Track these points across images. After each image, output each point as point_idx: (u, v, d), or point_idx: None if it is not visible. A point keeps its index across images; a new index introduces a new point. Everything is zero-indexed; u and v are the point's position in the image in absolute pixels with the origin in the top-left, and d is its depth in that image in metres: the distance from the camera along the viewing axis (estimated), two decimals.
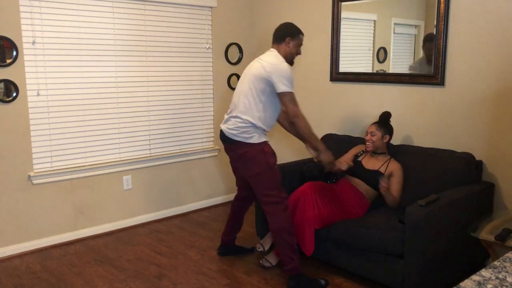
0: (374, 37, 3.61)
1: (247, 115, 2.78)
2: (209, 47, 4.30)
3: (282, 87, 2.71)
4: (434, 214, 2.50)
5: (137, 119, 3.92)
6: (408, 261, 2.53)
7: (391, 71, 3.49)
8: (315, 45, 3.99)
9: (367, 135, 3.15)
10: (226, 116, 2.93)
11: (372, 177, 3.05)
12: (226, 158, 3.25)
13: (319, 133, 3.95)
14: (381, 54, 3.55)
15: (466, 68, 3.05)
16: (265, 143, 2.83)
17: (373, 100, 3.61)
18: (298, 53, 2.96)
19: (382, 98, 3.54)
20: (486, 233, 2.52)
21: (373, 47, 3.61)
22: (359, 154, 3.23)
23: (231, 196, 3.34)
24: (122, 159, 3.87)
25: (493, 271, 1.11)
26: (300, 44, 2.96)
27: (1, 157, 3.24)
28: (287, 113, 2.81)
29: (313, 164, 3.40)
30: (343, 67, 3.80)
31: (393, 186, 3.01)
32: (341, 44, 3.79)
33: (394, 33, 3.48)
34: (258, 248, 3.13)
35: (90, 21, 3.54)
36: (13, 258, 3.31)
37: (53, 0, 3.34)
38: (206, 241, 3.61)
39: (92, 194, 3.71)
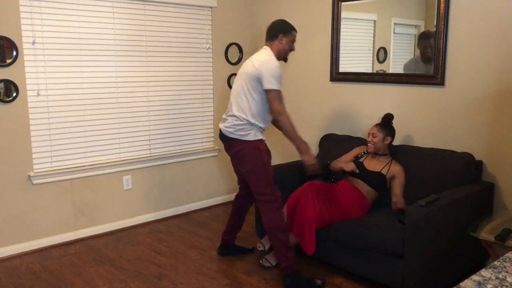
0: (374, 37, 3.61)
1: (242, 113, 2.83)
2: (209, 47, 4.30)
3: (268, 85, 2.74)
4: (434, 214, 2.50)
5: (137, 119, 3.92)
6: (408, 261, 2.53)
7: (391, 71, 3.49)
8: (315, 45, 3.99)
9: (368, 136, 3.15)
10: (224, 116, 2.98)
11: (374, 179, 3.05)
12: (226, 158, 3.26)
13: (319, 133, 3.96)
14: (381, 54, 3.55)
15: (466, 68, 3.05)
16: (261, 141, 2.88)
17: (373, 100, 3.61)
18: (291, 49, 2.97)
19: (382, 98, 3.54)
20: (486, 233, 2.52)
21: (373, 47, 3.61)
22: (360, 156, 3.23)
23: (231, 196, 3.34)
24: (122, 159, 3.87)
25: (493, 271, 1.11)
26: (293, 41, 2.97)
27: (1, 157, 3.24)
28: (272, 110, 2.82)
29: None
30: (343, 67, 3.80)
31: (396, 189, 3.00)
32: (341, 44, 3.79)
33: (394, 33, 3.48)
34: (259, 247, 3.14)
35: (90, 21, 3.54)
36: (13, 258, 3.31)
37: (53, 0, 3.34)
38: (206, 241, 3.61)
39: (92, 194, 3.71)
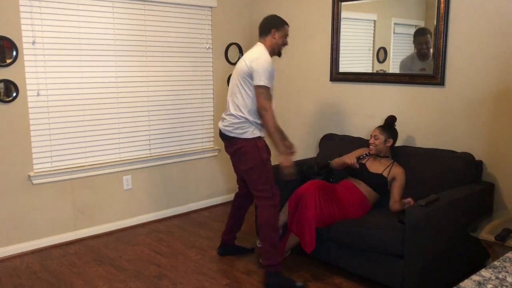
0: (374, 37, 3.61)
1: (239, 111, 2.85)
2: (209, 47, 4.30)
3: (256, 80, 2.76)
4: (434, 214, 2.50)
5: (137, 119, 3.92)
6: (408, 261, 2.53)
7: (391, 71, 3.49)
8: (315, 45, 3.99)
9: (370, 138, 3.16)
10: (223, 115, 3.00)
11: (375, 180, 3.06)
12: (226, 158, 3.26)
13: (319, 133, 3.96)
14: (381, 54, 3.55)
15: (466, 68, 3.05)
16: (260, 138, 2.89)
17: (373, 100, 3.61)
18: (284, 43, 2.99)
19: (382, 98, 3.54)
20: (486, 233, 2.51)
21: (373, 47, 3.61)
22: (361, 157, 3.24)
23: (231, 196, 3.34)
24: (122, 159, 3.87)
25: (493, 271, 1.11)
26: (286, 35, 2.98)
27: (1, 157, 3.24)
28: (258, 106, 2.81)
29: (313, 161, 3.41)
30: (343, 67, 3.80)
31: (395, 190, 3.01)
32: (341, 44, 3.79)
33: (394, 33, 3.48)
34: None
35: (90, 21, 3.54)
36: (13, 258, 3.31)
37: (53, 0, 3.34)
38: (206, 241, 3.61)
39: (92, 194, 3.71)
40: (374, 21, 3.60)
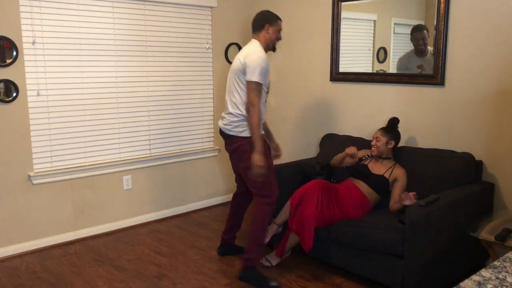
0: (374, 37, 3.61)
1: (237, 109, 2.85)
2: (209, 47, 4.30)
3: (249, 76, 2.77)
4: (434, 214, 2.50)
5: (137, 119, 3.92)
6: (408, 261, 2.53)
7: (391, 71, 3.49)
8: (315, 45, 3.99)
9: (372, 140, 3.17)
10: (222, 114, 3.01)
11: (377, 182, 3.06)
12: (226, 158, 3.26)
13: (319, 133, 3.96)
14: (381, 54, 3.55)
15: (466, 68, 3.05)
16: None
17: (373, 100, 3.61)
18: (278, 38, 3.00)
19: (382, 98, 3.54)
20: (486, 233, 2.51)
21: (373, 47, 3.61)
22: (363, 158, 3.24)
23: (231, 196, 3.34)
24: (122, 159, 3.87)
25: (493, 271, 1.11)
26: (280, 30, 2.99)
27: (1, 157, 3.24)
28: (247, 100, 2.81)
29: (314, 160, 3.41)
30: (343, 67, 3.80)
31: (396, 191, 3.00)
32: (341, 44, 3.79)
33: (394, 33, 3.49)
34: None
35: (90, 21, 3.54)
36: (13, 258, 3.31)
37: (53, 0, 3.34)
38: (206, 241, 3.61)
39: (92, 194, 3.71)
40: (374, 21, 3.60)
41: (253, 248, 2.87)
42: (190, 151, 4.28)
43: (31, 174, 3.37)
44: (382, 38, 3.55)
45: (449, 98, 3.15)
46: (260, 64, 2.76)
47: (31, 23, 3.26)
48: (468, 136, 3.08)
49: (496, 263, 1.16)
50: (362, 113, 3.69)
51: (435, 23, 3.13)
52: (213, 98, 4.39)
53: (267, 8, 3.10)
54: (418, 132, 3.34)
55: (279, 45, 4.23)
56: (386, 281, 2.69)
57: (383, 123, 3.43)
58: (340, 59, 3.81)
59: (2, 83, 3.18)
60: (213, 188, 4.52)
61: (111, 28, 3.66)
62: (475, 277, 1.07)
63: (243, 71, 2.80)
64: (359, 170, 3.18)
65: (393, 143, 3.12)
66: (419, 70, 3.28)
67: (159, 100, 4.03)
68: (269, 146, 2.98)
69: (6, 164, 3.27)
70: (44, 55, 3.35)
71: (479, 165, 2.98)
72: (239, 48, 4.49)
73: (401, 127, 3.26)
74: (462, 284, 1.04)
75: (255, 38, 2.95)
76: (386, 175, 3.06)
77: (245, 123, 2.86)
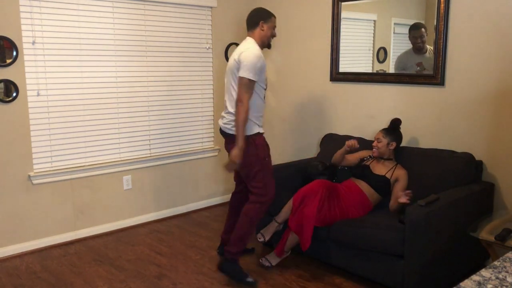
0: (374, 37, 3.61)
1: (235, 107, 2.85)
2: (209, 47, 4.30)
3: (241, 72, 2.77)
4: (434, 214, 2.50)
5: (137, 119, 3.92)
6: (408, 261, 2.53)
7: (391, 71, 3.49)
8: (315, 45, 3.99)
9: (374, 141, 3.17)
10: (222, 114, 3.03)
11: (378, 182, 3.06)
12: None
13: (319, 133, 3.96)
14: (381, 54, 3.55)
15: (466, 68, 3.05)
16: (258, 135, 2.90)
17: (373, 100, 3.61)
18: (273, 35, 3.01)
19: (382, 98, 3.54)
20: (486, 233, 2.51)
21: (373, 47, 3.61)
22: (365, 159, 3.25)
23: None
24: (122, 159, 3.87)
25: (493, 271, 1.11)
26: (274, 26, 3.00)
27: (1, 157, 3.24)
28: (236, 96, 2.83)
29: (317, 160, 3.41)
30: (343, 67, 3.80)
31: (397, 191, 3.00)
32: (341, 44, 3.79)
33: (394, 33, 3.49)
34: (259, 238, 3.12)
35: (90, 21, 3.54)
36: (13, 258, 3.31)
37: (53, 0, 3.34)
38: (206, 241, 3.61)
39: (92, 194, 3.71)
40: (374, 21, 3.60)
41: (236, 242, 2.92)
42: (190, 151, 4.28)
43: (31, 174, 3.37)
44: (382, 38, 3.55)
45: (449, 98, 3.15)
46: (252, 60, 2.76)
47: (31, 23, 3.26)
48: (468, 136, 3.08)
49: (496, 263, 1.16)
50: (362, 113, 3.69)
51: (435, 23, 3.13)
52: (213, 98, 4.39)
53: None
54: (418, 132, 3.34)
55: (279, 45, 4.27)
56: (386, 281, 2.69)
57: (383, 123, 3.43)
58: (340, 59, 3.81)
59: (2, 83, 3.18)
60: (213, 188, 4.52)
61: (111, 28, 3.66)
62: (475, 277, 1.07)
63: (238, 68, 2.81)
64: (361, 170, 3.18)
65: (394, 144, 3.12)
66: (418, 68, 3.28)
67: (159, 100, 4.03)
68: (267, 145, 2.98)
69: (6, 164, 3.27)
70: (44, 55, 3.35)
71: (479, 165, 2.98)
72: None
73: (401, 127, 3.26)
74: (462, 284, 1.04)
75: (250, 36, 2.96)
76: (388, 176, 3.06)
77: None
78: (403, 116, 3.33)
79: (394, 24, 3.48)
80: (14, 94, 3.23)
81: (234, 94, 2.86)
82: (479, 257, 2.94)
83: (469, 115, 3.06)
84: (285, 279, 2.95)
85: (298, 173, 3.49)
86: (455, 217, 2.69)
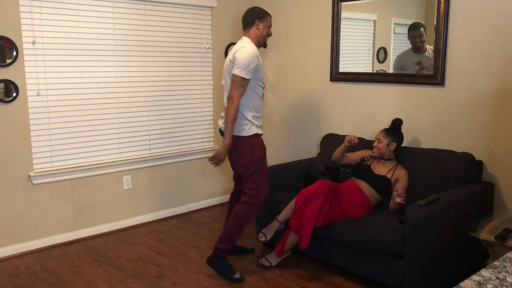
0: (374, 37, 3.61)
1: None
2: (209, 47, 4.30)
3: (234, 69, 2.78)
4: (434, 214, 2.50)
5: (137, 119, 3.92)
6: (408, 261, 2.53)
7: (391, 71, 3.49)
8: (315, 45, 3.99)
9: (375, 141, 3.17)
10: (222, 114, 3.04)
11: (379, 182, 3.06)
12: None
13: (319, 133, 3.96)
14: (381, 54, 3.55)
15: (466, 68, 3.04)
16: (255, 136, 2.91)
17: (373, 100, 3.61)
18: (269, 34, 3.01)
19: (382, 98, 3.54)
20: (486, 233, 2.51)
21: (373, 47, 3.61)
22: (366, 159, 3.25)
23: None
24: (122, 159, 3.87)
25: (493, 271, 1.11)
26: (270, 26, 3.01)
27: (1, 157, 3.24)
28: (228, 94, 2.84)
29: (319, 160, 3.41)
30: (343, 67, 3.80)
31: (403, 192, 3.00)
32: (341, 44, 3.79)
33: (394, 33, 3.49)
34: (261, 238, 3.12)
35: (90, 21, 3.54)
36: (13, 258, 3.31)
37: (53, 0, 3.34)
38: (206, 241, 3.61)
39: (92, 194, 3.71)
40: (374, 21, 3.60)
41: (225, 240, 2.96)
42: (190, 151, 4.28)
43: (31, 174, 3.37)
44: (382, 38, 3.55)
45: (449, 98, 3.15)
46: (246, 59, 2.76)
47: (31, 23, 3.26)
48: (468, 136, 3.08)
49: (496, 263, 1.16)
50: (362, 113, 3.69)
51: (435, 23, 3.13)
52: (213, 98, 4.39)
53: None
54: (418, 132, 3.34)
55: (279, 44, 4.27)
56: (386, 281, 2.69)
57: (383, 123, 3.43)
58: (340, 59, 3.81)
59: (2, 83, 3.18)
60: (213, 188, 4.52)
61: (111, 28, 3.66)
62: (475, 277, 1.07)
63: (233, 67, 2.82)
64: (361, 170, 3.18)
65: (394, 145, 3.12)
66: (418, 67, 3.28)
67: (159, 100, 4.03)
68: (263, 146, 2.98)
69: (6, 164, 3.27)
70: (44, 55, 3.35)
71: (479, 165, 2.98)
72: None
73: (402, 127, 3.25)
74: (462, 284, 1.04)
75: (246, 35, 2.96)
76: (388, 176, 3.06)
77: (243, 122, 2.87)
78: (403, 116, 3.33)
79: (394, 24, 3.49)
80: (14, 94, 3.23)
81: None
82: (479, 257, 2.94)
83: (469, 115, 3.06)
84: (285, 279, 2.95)
85: (298, 173, 3.49)
86: (455, 217, 2.69)
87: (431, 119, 3.26)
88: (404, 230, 2.53)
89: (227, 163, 3.06)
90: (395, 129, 3.16)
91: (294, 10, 4.13)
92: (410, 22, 3.34)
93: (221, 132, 3.01)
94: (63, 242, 3.57)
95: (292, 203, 3.05)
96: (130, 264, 3.21)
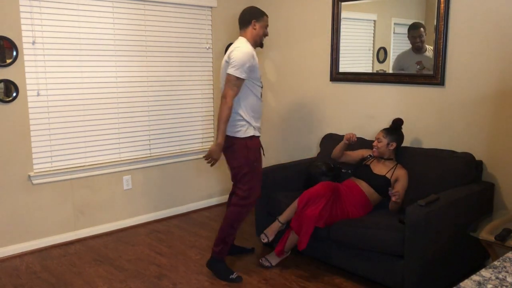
0: (374, 37, 3.61)
1: (233, 108, 2.85)
2: (209, 47, 4.30)
3: (229, 69, 2.79)
4: (434, 214, 2.49)
5: (137, 119, 3.92)
6: (408, 261, 2.53)
7: (391, 71, 3.49)
8: (315, 45, 3.99)
9: (374, 140, 3.17)
10: None
11: (378, 182, 3.06)
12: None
13: (319, 133, 3.96)
14: (381, 54, 3.55)
15: (466, 68, 3.04)
16: (251, 138, 2.91)
17: (373, 100, 3.61)
18: (265, 34, 3.02)
19: (382, 98, 3.54)
20: (486, 233, 2.51)
21: (373, 47, 3.61)
22: (366, 158, 3.25)
23: None
24: (122, 159, 3.87)
25: (493, 271, 1.11)
26: (266, 26, 3.01)
27: (1, 157, 3.24)
28: (222, 93, 2.85)
29: (321, 161, 3.41)
30: (343, 67, 3.80)
31: (397, 190, 3.00)
32: (341, 44, 3.79)
33: (394, 33, 3.48)
34: (263, 240, 3.11)
35: (90, 21, 3.54)
36: (13, 258, 3.31)
37: (53, 0, 3.34)
38: (206, 241, 3.61)
39: (92, 194, 3.71)
40: (374, 21, 3.60)
41: (220, 242, 2.98)
42: (190, 151, 4.28)
43: (31, 174, 3.37)
44: (382, 38, 3.55)
45: (449, 98, 3.15)
46: (241, 58, 2.76)
47: (31, 23, 3.26)
48: (468, 136, 3.08)
49: (496, 263, 1.16)
50: (362, 113, 3.69)
51: (435, 23, 3.13)
52: (213, 98, 4.39)
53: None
54: (418, 132, 3.34)
55: (279, 44, 4.27)
56: (386, 281, 2.69)
57: (383, 123, 3.43)
58: (340, 59, 3.81)
59: (2, 83, 3.18)
60: (213, 188, 4.52)
61: (111, 28, 3.66)
62: (475, 277, 1.07)
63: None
64: (361, 170, 3.18)
65: (394, 144, 3.12)
66: (418, 67, 3.28)
67: (159, 100, 4.03)
68: (258, 148, 2.98)
69: (6, 164, 3.27)
70: (44, 55, 3.35)
71: (479, 165, 2.98)
72: None
73: (402, 127, 3.25)
74: (462, 284, 1.04)
75: (242, 35, 2.96)
76: (388, 176, 3.06)
77: (240, 123, 2.87)
78: (403, 116, 3.33)
79: (394, 24, 3.48)
80: (14, 94, 3.23)
81: None
82: (479, 257, 2.94)
83: (469, 115, 3.06)
84: (285, 279, 2.95)
85: (298, 173, 3.49)
86: (455, 217, 2.68)
87: (431, 119, 3.26)
88: (404, 230, 2.53)
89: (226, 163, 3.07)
90: (395, 129, 3.16)
91: (294, 10, 4.13)
92: (410, 22, 3.34)
93: None
94: (63, 242, 3.57)
95: (294, 204, 3.04)
96: (130, 264, 3.21)
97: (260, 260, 3.14)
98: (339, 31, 3.77)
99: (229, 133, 2.89)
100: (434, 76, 3.18)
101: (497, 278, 1.07)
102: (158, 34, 3.94)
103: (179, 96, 4.15)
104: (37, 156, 3.41)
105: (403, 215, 2.61)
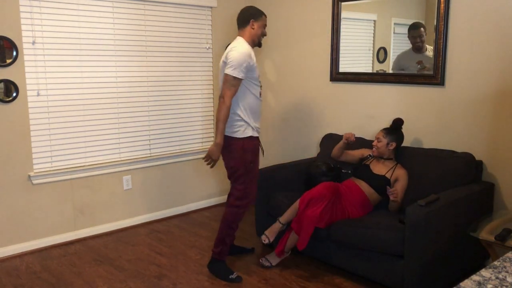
0: (374, 37, 3.61)
1: (232, 108, 2.85)
2: (209, 47, 4.30)
3: (226, 69, 2.79)
4: (434, 214, 2.49)
5: (137, 119, 3.92)
6: (408, 261, 2.53)
7: (391, 71, 3.49)
8: (315, 45, 3.99)
9: (374, 140, 3.17)
10: None
11: (378, 182, 3.06)
12: None
13: (319, 133, 3.96)
14: (381, 54, 3.55)
15: (466, 68, 3.04)
16: (249, 138, 2.91)
17: (373, 100, 3.61)
18: (264, 34, 3.02)
19: (382, 98, 3.54)
20: (486, 233, 2.51)
21: (373, 47, 3.61)
22: (365, 158, 3.25)
23: None
24: (122, 159, 3.87)
25: (493, 271, 1.11)
26: (265, 25, 3.01)
27: (1, 157, 3.24)
28: (220, 92, 2.86)
29: (321, 161, 3.41)
30: (343, 67, 3.80)
31: (395, 189, 3.00)
32: (341, 44, 3.79)
33: (394, 33, 3.48)
34: (264, 241, 3.10)
35: (90, 21, 3.54)
36: (13, 258, 3.31)
37: (53, 0, 3.34)
38: (206, 241, 3.61)
39: (92, 194, 3.71)
40: (374, 21, 3.60)
41: (219, 243, 3.00)
42: (190, 151, 4.28)
43: (31, 174, 3.37)
44: (382, 38, 3.55)
45: (449, 98, 3.15)
46: (238, 58, 2.76)
47: (31, 23, 3.26)
48: (468, 136, 3.08)
49: (496, 263, 1.16)
50: (362, 113, 3.69)
51: (435, 23, 3.13)
52: (213, 98, 4.39)
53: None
54: (418, 132, 3.34)
55: (279, 44, 4.27)
56: (386, 281, 2.69)
57: (383, 123, 3.43)
58: (340, 59, 3.81)
59: (2, 83, 3.18)
60: (213, 188, 4.52)
61: (111, 28, 3.66)
62: (475, 277, 1.07)
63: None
64: (361, 170, 3.18)
65: (394, 144, 3.12)
66: (419, 66, 3.28)
67: (159, 100, 4.03)
68: (255, 149, 2.97)
69: (6, 164, 3.27)
70: (44, 55, 3.35)
71: (479, 165, 2.98)
72: None
73: (402, 127, 3.25)
74: (462, 284, 1.04)
75: (240, 35, 2.96)
76: (388, 175, 3.06)
77: (238, 123, 2.87)
78: (403, 116, 3.33)
79: (394, 24, 3.48)
80: (14, 94, 3.23)
81: None
82: (479, 257, 2.94)
83: (469, 115, 3.06)
84: (285, 279, 2.95)
85: (298, 173, 3.49)
86: (455, 217, 2.69)
87: (431, 119, 3.26)
88: (404, 230, 2.53)
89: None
90: (395, 128, 3.16)
91: (294, 10, 4.13)
92: (410, 22, 3.34)
93: None
94: (63, 242, 3.57)
95: (295, 205, 3.04)
96: (130, 264, 3.21)
97: (260, 260, 3.14)
98: (339, 31, 3.77)
99: (227, 133, 2.89)
100: (434, 76, 3.18)
101: (497, 278, 1.07)
102: (158, 34, 3.94)
103: (179, 96, 4.15)
104: (37, 156, 3.41)
105: (403, 215, 2.61)
